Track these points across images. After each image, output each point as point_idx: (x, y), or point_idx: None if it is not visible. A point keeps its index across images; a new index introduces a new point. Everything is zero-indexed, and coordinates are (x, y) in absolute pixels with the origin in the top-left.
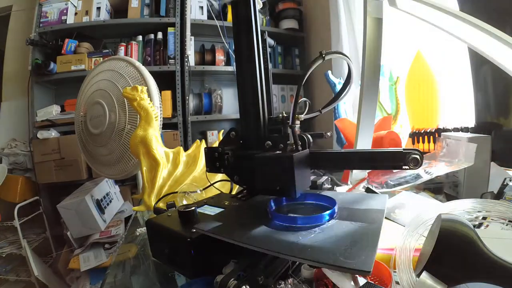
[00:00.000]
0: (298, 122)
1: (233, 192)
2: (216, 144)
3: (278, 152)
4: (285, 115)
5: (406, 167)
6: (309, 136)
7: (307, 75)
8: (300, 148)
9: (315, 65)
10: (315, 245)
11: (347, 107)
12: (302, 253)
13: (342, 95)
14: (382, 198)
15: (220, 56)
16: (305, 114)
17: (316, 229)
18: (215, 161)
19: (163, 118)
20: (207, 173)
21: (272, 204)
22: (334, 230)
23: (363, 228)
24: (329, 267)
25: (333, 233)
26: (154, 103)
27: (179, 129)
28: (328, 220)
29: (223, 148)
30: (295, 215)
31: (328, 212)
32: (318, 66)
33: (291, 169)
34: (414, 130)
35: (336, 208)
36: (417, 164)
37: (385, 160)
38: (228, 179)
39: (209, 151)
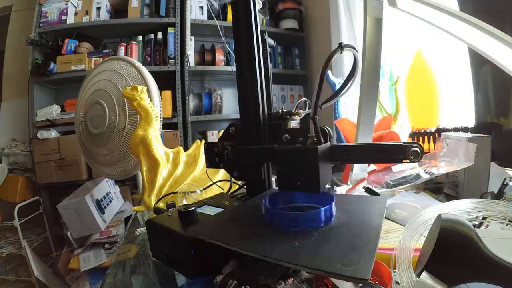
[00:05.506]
0: (297, 118)
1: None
2: None
3: (298, 145)
4: (285, 110)
5: (407, 160)
6: (329, 129)
7: (328, 64)
8: (322, 140)
9: (334, 56)
10: (313, 251)
11: (347, 107)
12: (300, 260)
13: (345, 89)
14: (382, 201)
15: (220, 56)
16: (305, 110)
17: (314, 233)
18: (214, 156)
19: (163, 118)
20: (207, 170)
21: (268, 207)
22: (332, 234)
23: (362, 233)
24: (328, 274)
25: (331, 238)
26: (154, 103)
27: (179, 129)
28: (326, 224)
29: (223, 143)
30: (292, 213)
31: (323, 209)
32: (318, 66)
33: (315, 162)
34: (414, 130)
35: (334, 210)
36: (417, 156)
37: (385, 154)
38: (228, 179)
39: (208, 146)
